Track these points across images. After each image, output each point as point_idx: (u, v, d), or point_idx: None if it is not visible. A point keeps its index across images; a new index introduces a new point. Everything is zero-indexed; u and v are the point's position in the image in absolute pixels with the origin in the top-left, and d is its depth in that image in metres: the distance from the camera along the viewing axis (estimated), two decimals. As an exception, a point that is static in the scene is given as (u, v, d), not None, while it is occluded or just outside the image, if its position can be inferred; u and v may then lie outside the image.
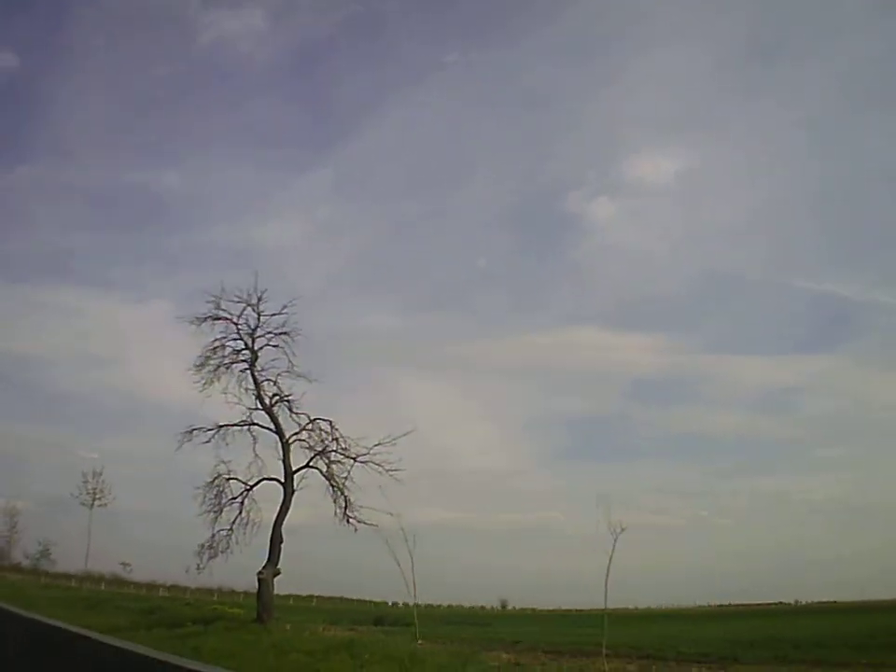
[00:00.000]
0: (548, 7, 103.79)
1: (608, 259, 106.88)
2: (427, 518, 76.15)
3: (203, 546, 24.43)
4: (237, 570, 28.01)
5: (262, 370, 24.67)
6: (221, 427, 24.37)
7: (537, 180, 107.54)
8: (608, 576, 16.66)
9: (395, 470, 23.76)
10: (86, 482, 48.87)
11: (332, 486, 24.21)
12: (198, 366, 23.71)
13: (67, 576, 59.90)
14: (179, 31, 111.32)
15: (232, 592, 52.27)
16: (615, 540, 16.17)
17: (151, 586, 58.72)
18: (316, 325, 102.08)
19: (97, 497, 49.26)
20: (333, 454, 24.31)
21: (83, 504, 50.29)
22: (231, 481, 24.40)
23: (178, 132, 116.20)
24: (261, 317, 24.15)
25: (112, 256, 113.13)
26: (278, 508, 24.22)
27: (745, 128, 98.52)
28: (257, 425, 24.55)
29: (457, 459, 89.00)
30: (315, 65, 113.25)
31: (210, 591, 53.29)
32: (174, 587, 56.02)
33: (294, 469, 24.36)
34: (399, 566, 20.26)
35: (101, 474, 50.14)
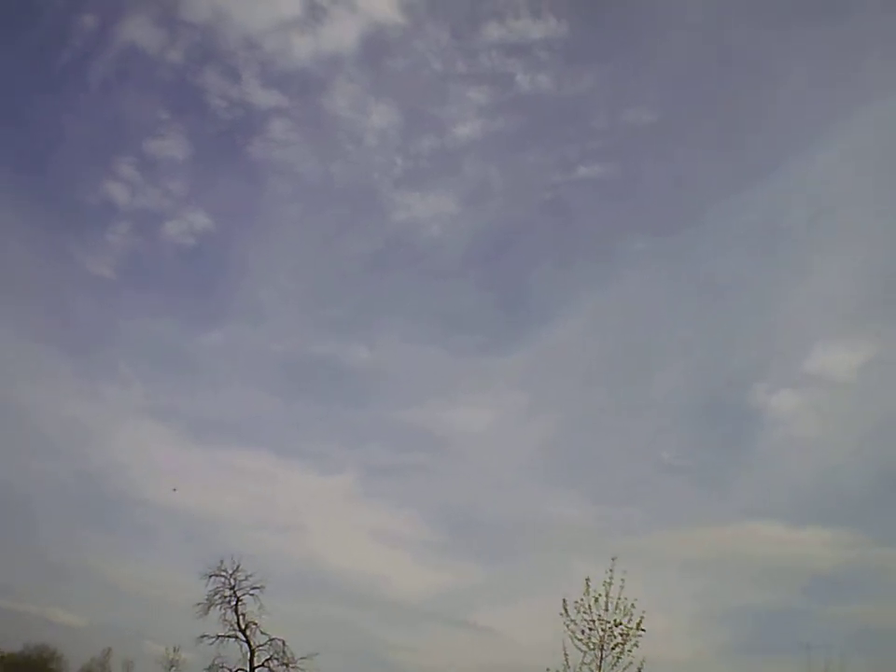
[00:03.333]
0: (734, 198, 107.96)
1: (789, 452, 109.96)
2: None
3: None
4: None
5: (245, 604, 43.86)
6: (219, 636, 43.62)
7: (720, 371, 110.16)
8: None
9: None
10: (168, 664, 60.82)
11: (273, 680, 42.88)
12: (199, 604, 43.09)
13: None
14: (372, 210, 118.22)
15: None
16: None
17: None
18: (503, 511, 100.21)
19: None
20: (276, 661, 43.06)
21: None
22: (222, 668, 43.60)
23: (369, 307, 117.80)
24: (237, 580, 43.45)
25: (299, 424, 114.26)
26: (246, 688, 43.08)
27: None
28: (238, 637, 43.68)
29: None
30: (505, 251, 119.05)
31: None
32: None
33: (255, 665, 43.21)
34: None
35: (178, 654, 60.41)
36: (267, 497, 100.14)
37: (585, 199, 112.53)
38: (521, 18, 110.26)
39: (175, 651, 58.49)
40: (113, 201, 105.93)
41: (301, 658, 42.84)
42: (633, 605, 21.91)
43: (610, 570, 22.21)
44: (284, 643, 43.62)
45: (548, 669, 21.45)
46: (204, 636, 43.46)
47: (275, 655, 43.30)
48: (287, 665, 42.89)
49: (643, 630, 21.76)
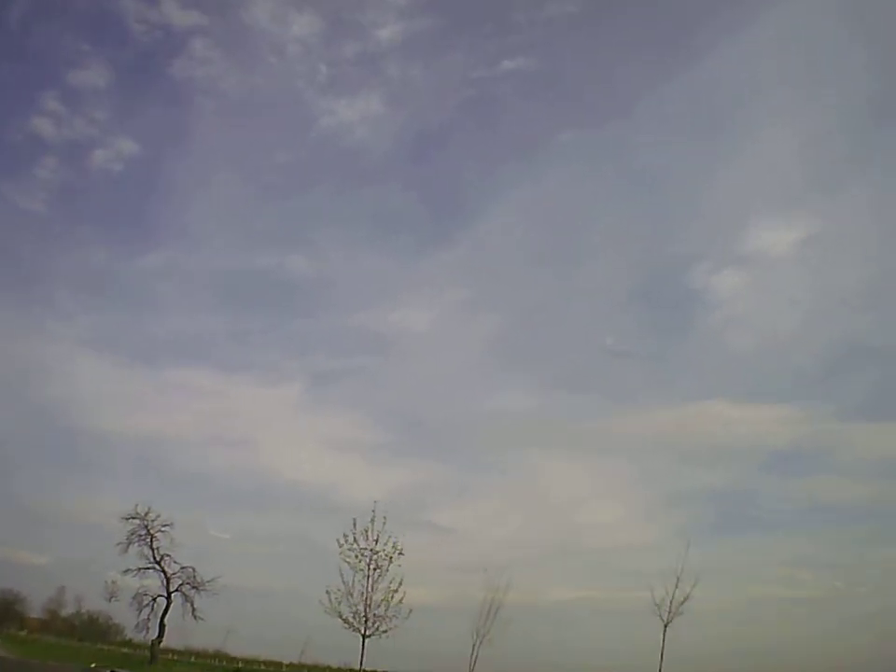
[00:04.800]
0: (663, 85, 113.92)
1: (733, 331, 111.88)
2: (558, 596, 79.00)
3: (137, 625, 51.51)
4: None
5: (158, 540, 51.20)
6: (139, 569, 51.11)
7: (658, 256, 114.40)
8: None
9: (215, 593, 50.38)
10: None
11: (185, 600, 50.70)
12: (120, 543, 50.33)
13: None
14: (298, 118, 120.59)
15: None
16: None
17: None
18: (453, 407, 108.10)
19: None
20: (188, 585, 50.83)
21: None
22: (145, 595, 51.33)
23: (304, 217, 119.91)
24: (150, 521, 50.57)
25: (244, 338, 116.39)
26: (163, 610, 50.83)
27: (865, 192, 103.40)
28: (155, 569, 51.22)
29: (590, 537, 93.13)
30: (433, 149, 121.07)
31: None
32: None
33: (171, 591, 50.97)
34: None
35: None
36: (218, 414, 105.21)
37: (510, 93, 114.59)
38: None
39: (112, 582, 65.99)
40: (40, 135, 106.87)
41: (208, 581, 50.75)
42: (389, 538, 29.24)
43: (373, 511, 29.34)
44: (194, 570, 51.31)
45: (328, 588, 28.78)
46: (128, 569, 51.13)
47: (187, 581, 51.14)
48: (196, 588, 50.74)
49: (402, 554, 29.03)
